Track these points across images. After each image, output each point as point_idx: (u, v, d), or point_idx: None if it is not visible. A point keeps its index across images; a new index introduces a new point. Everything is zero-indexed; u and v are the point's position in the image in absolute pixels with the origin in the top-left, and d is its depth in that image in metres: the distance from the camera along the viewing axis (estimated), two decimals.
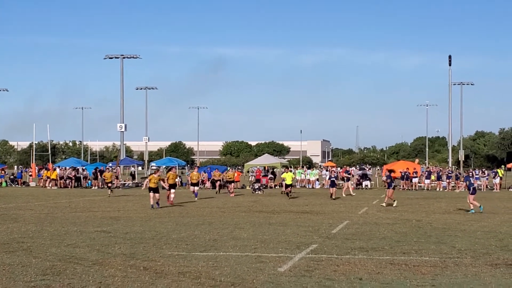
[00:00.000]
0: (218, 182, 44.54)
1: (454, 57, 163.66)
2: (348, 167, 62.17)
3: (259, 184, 46.14)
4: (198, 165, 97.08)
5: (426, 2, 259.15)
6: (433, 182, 49.91)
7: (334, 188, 35.72)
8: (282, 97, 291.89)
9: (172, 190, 30.03)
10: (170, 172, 32.54)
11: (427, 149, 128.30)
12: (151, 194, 28.37)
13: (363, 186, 50.77)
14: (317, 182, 53.38)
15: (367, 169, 60.12)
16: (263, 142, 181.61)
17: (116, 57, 75.97)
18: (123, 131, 75.29)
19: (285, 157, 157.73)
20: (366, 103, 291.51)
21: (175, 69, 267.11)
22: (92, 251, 14.61)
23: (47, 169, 57.49)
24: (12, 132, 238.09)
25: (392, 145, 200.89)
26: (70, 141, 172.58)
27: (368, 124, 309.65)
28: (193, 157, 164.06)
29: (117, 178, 54.99)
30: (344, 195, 38.46)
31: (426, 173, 51.56)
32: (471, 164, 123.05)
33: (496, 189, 48.09)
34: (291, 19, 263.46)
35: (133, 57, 76.38)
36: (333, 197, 34.91)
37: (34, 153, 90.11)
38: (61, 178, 53.69)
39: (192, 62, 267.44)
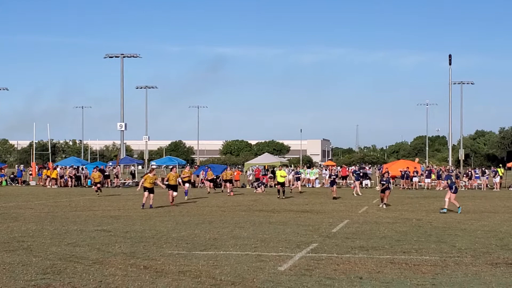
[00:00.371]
0: (211, 182, 43.23)
1: (454, 56, 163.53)
2: (355, 166, 61.92)
3: (259, 182, 46.17)
4: (198, 164, 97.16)
5: (426, 1, 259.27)
6: (433, 181, 49.91)
7: (335, 187, 35.59)
8: (282, 96, 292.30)
9: (175, 194, 29.50)
10: (171, 172, 31.54)
11: (427, 148, 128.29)
12: (145, 193, 27.59)
13: (363, 185, 50.73)
14: (317, 181, 53.39)
15: (367, 168, 60.14)
16: (263, 141, 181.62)
17: (116, 56, 75.98)
18: (123, 130, 75.32)
19: (285, 156, 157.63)
20: (366, 102, 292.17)
21: (175, 68, 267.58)
22: (93, 250, 14.61)
23: (47, 168, 57.46)
24: (12, 131, 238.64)
25: (392, 144, 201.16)
26: (70, 140, 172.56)
27: (368, 123, 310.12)
28: (193, 156, 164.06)
29: (117, 177, 55.02)
30: (355, 194, 38.41)
31: (426, 172, 51.58)
32: (471, 163, 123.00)
33: (496, 188, 48.11)
34: (291, 18, 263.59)
35: (133, 56, 76.40)
36: (335, 196, 34.57)
37: (34, 152, 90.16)
38: (61, 177, 53.69)
39: (192, 61, 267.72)
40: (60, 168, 55.88)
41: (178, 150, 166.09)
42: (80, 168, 56.36)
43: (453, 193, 25.65)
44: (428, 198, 35.89)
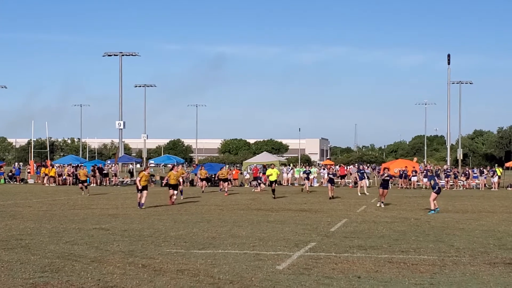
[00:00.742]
0: (203, 182, 42.53)
1: (453, 56, 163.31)
2: (353, 166, 61.82)
3: (258, 180, 46.19)
4: (196, 162, 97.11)
5: (425, 0, 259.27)
6: None
7: (333, 186, 35.48)
8: (281, 95, 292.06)
9: (175, 192, 29.15)
10: (172, 171, 30.52)
11: (425, 148, 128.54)
12: (139, 193, 26.80)
13: (362, 185, 50.67)
14: (315, 180, 53.40)
15: (366, 168, 60.15)
16: (261, 140, 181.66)
17: (115, 55, 75.99)
18: (121, 129, 75.29)
19: (284, 155, 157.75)
20: (365, 101, 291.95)
21: (174, 67, 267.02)
22: (91, 248, 14.61)
23: (46, 166, 57.44)
24: (11, 129, 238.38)
25: (391, 144, 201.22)
26: (68, 138, 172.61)
27: (367, 123, 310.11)
28: (191, 154, 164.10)
29: (115, 175, 55.00)
30: (360, 194, 38.29)
31: (425, 171, 51.52)
32: (470, 163, 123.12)
33: (495, 188, 48.15)
34: (291, 17, 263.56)
35: (132, 55, 76.40)
36: (332, 195, 34.24)
37: (32, 150, 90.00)
38: (60, 175, 53.67)
39: (192, 59, 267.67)
40: (58, 167, 55.88)
41: (176, 148, 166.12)
42: (78, 166, 56.29)
43: (435, 193, 25.33)
44: (426, 198, 35.73)
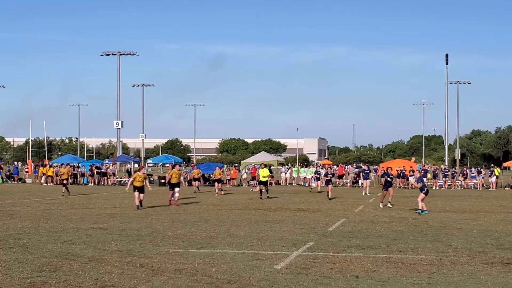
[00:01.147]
0: (196, 182, 42.14)
1: (451, 56, 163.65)
2: (352, 165, 61.72)
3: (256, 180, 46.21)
4: (194, 162, 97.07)
5: (424, 0, 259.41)
6: (429, 181, 49.93)
7: (330, 186, 35.23)
8: (280, 95, 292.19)
9: (177, 189, 28.48)
10: (174, 170, 29.80)
11: (423, 148, 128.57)
12: (136, 194, 25.92)
13: (360, 184, 50.74)
14: (313, 180, 53.31)
15: (366, 168, 60.01)
16: (259, 139, 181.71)
17: (113, 54, 75.88)
18: (119, 128, 75.23)
19: (282, 155, 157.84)
20: (363, 101, 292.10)
21: (174, 66, 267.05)
22: (89, 247, 14.60)
23: (44, 166, 57.41)
24: (9, 128, 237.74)
25: (389, 143, 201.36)
26: (66, 137, 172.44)
27: (365, 122, 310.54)
28: (189, 154, 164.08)
29: (113, 175, 54.99)
30: (364, 194, 38.17)
31: (423, 171, 51.54)
32: (468, 163, 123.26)
33: (492, 188, 48.19)
34: (291, 17, 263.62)
35: (130, 54, 76.30)
36: (329, 197, 33.82)
37: (30, 149, 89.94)
38: (57, 174, 53.57)
39: (191, 59, 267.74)
40: (56, 166, 55.81)
41: (174, 148, 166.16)
42: (76, 166, 56.28)
43: (424, 193, 25.46)
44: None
